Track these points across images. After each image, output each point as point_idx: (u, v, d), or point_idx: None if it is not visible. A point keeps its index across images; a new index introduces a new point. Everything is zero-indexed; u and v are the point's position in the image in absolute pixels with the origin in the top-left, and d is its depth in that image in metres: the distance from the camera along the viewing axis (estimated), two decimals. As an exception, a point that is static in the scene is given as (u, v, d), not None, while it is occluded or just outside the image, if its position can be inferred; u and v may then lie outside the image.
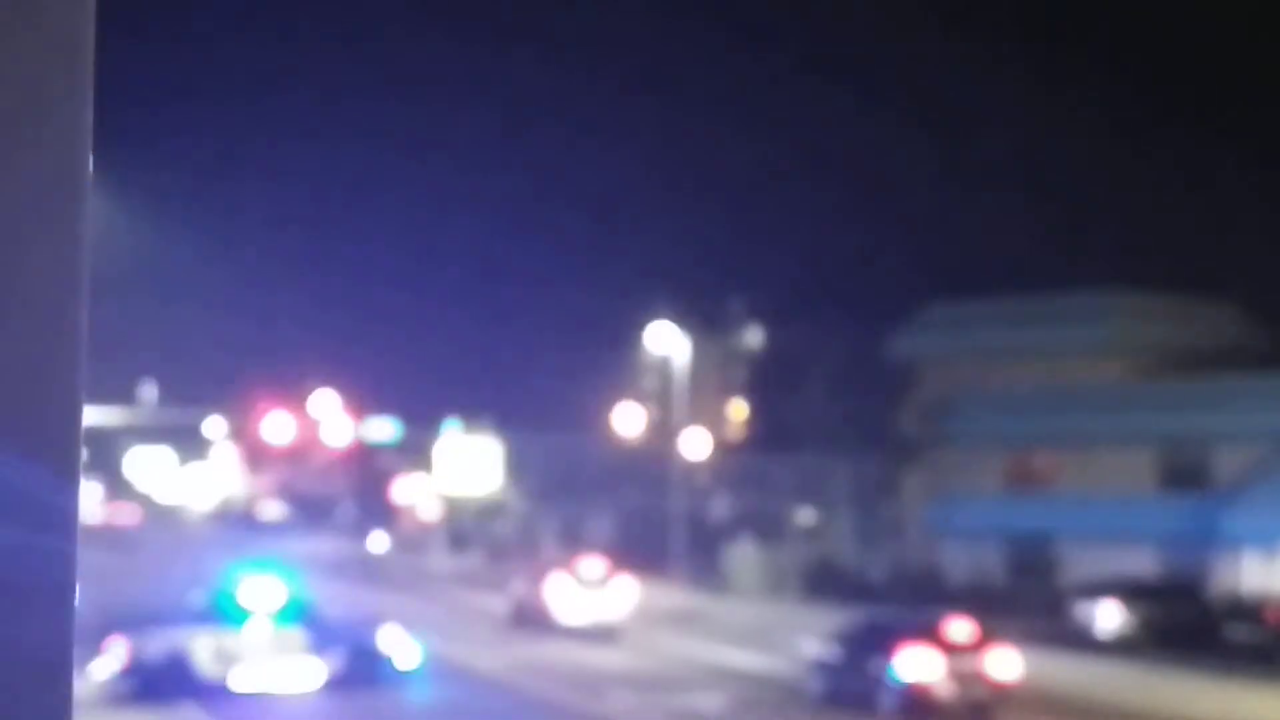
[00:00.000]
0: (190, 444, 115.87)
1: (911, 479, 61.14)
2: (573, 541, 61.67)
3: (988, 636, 30.89)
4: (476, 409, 75.15)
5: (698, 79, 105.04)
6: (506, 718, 30.41)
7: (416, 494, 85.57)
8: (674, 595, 51.80)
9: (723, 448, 75.12)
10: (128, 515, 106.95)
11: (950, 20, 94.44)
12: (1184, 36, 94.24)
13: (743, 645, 39.97)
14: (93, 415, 54.69)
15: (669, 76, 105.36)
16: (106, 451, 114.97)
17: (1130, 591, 43.47)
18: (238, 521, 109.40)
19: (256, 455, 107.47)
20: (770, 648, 38.42)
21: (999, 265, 68.49)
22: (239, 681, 30.63)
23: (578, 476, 77.10)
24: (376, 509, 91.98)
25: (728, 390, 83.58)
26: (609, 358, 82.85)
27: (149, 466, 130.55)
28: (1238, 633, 40.19)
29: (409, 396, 73.21)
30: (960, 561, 55.06)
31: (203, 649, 30.59)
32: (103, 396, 62.08)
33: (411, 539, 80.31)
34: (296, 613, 32.19)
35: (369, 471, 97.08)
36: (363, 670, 31.41)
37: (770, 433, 72.42)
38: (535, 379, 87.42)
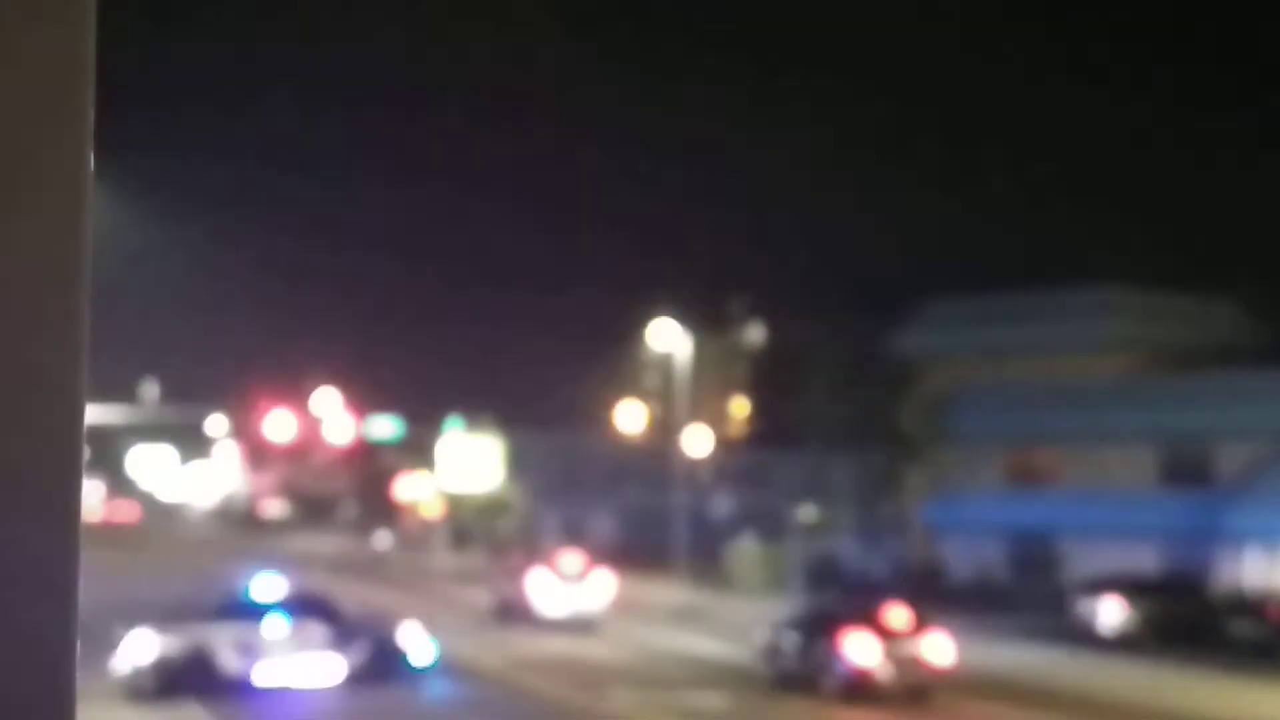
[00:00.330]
0: (192, 442, 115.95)
1: (913, 476, 61.16)
2: (575, 539, 61.58)
3: (924, 622, 32.22)
4: (479, 407, 75.10)
5: (698, 78, 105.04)
6: (516, 711, 30.56)
7: (418, 492, 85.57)
8: (675, 592, 51.85)
9: (724, 445, 75.15)
10: (125, 512, 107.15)
11: (948, 13, 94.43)
12: (1184, 36, 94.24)
13: (729, 639, 40.41)
14: (95, 414, 54.63)
15: (671, 74, 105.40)
16: (109, 450, 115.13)
17: (1132, 588, 43.46)
18: (239, 519, 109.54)
19: (258, 453, 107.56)
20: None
21: (1000, 262, 68.52)
22: (261, 676, 30.82)
23: (580, 474, 77.14)
24: (378, 507, 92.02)
25: (729, 388, 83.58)
26: (611, 355, 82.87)
27: (151, 465, 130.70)
28: (1240, 629, 40.17)
29: (411, 394, 73.34)
30: (962, 558, 55.06)
31: (225, 644, 30.74)
32: (105, 395, 62.15)
33: (414, 537, 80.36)
34: (316, 609, 32.50)
35: (371, 469, 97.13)
36: (382, 666, 31.86)
37: (772, 430, 72.47)
38: (537, 377, 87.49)
